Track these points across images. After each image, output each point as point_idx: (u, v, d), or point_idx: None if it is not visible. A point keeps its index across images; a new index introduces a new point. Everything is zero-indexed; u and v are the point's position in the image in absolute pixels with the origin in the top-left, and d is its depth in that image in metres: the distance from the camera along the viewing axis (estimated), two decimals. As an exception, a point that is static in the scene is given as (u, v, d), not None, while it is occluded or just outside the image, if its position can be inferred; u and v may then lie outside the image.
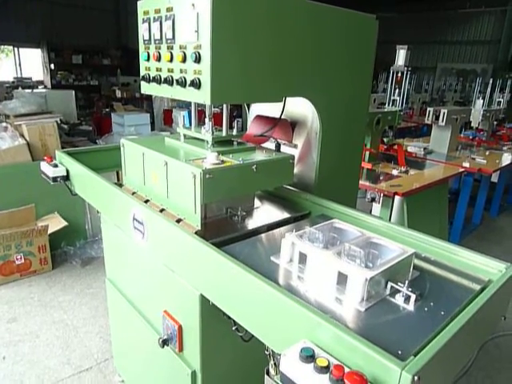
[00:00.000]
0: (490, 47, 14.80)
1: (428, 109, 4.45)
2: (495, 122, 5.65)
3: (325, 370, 0.83)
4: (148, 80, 1.65)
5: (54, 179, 2.24)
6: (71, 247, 3.82)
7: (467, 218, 4.66)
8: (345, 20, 1.71)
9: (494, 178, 5.15)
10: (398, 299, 1.11)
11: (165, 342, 1.52)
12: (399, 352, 0.89)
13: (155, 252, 1.54)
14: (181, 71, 1.45)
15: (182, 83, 1.43)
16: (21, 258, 3.36)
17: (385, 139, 4.27)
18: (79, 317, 2.96)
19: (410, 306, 1.09)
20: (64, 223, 3.59)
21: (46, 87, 11.03)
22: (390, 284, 1.14)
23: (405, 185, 3.19)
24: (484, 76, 13.88)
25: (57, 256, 3.71)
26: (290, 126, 1.92)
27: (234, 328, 1.38)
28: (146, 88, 1.68)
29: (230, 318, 1.36)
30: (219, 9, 1.26)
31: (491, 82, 5.81)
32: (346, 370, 0.80)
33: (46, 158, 2.35)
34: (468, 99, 11.14)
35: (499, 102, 5.73)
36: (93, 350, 2.61)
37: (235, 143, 1.70)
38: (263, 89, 1.50)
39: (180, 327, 1.48)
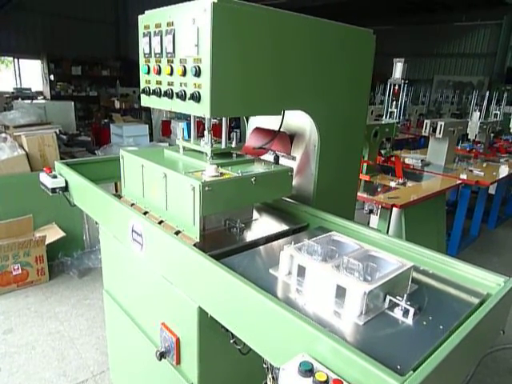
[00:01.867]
0: (486, 60, 14.99)
1: (425, 121, 4.49)
2: (492, 134, 5.70)
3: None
4: (148, 93, 1.67)
5: (53, 190, 2.24)
6: (68, 258, 3.80)
7: (465, 229, 4.67)
8: (343, 34, 1.74)
9: (492, 190, 5.17)
10: (397, 313, 1.11)
11: (162, 355, 1.51)
12: (398, 367, 0.89)
13: (153, 264, 1.53)
14: (181, 84, 1.46)
15: (182, 96, 1.45)
16: (18, 268, 3.35)
17: (382, 151, 4.29)
18: (76, 328, 2.93)
19: (409, 320, 1.09)
20: (62, 234, 3.58)
21: (45, 98, 11.08)
22: (388, 297, 1.14)
23: (402, 197, 3.20)
24: (480, 88, 14.03)
25: (54, 266, 3.69)
26: (289, 138, 1.93)
27: (231, 341, 1.38)
28: (146, 101, 1.70)
29: (227, 330, 1.36)
30: (219, 24, 1.28)
31: (487, 94, 5.88)
32: (345, 384, 0.80)
33: (45, 169, 2.35)
34: (465, 111, 11.23)
35: (496, 115, 5.79)
36: (89, 361, 2.59)
37: (234, 155, 1.71)
38: (262, 102, 1.52)
39: (178, 340, 1.47)
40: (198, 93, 1.38)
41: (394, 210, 3.24)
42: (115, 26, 12.56)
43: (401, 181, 3.69)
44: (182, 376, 1.49)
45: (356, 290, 1.08)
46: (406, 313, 1.10)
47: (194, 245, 1.43)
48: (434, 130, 4.46)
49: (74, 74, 11.67)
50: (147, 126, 5.52)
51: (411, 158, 4.65)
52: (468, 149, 5.49)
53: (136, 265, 1.73)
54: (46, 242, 3.44)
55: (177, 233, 1.52)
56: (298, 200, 1.89)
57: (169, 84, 1.54)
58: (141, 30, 1.63)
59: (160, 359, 1.51)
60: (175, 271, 1.40)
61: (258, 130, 2.01)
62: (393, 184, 3.61)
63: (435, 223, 3.67)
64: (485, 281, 1.29)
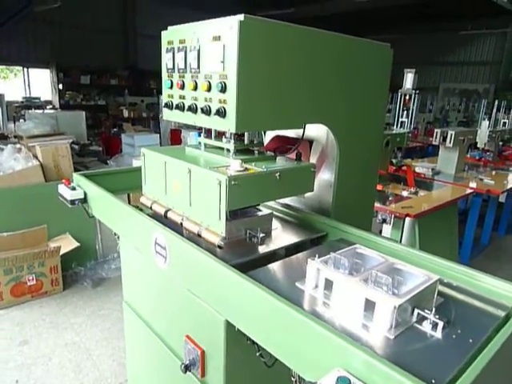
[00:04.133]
0: (492, 68, 15.03)
1: (435, 130, 4.50)
2: (501, 143, 5.70)
3: (362, 400, 0.84)
4: (171, 107, 1.69)
5: (72, 202, 2.27)
6: (82, 268, 3.83)
7: (476, 237, 4.65)
8: (364, 49, 1.77)
9: (502, 199, 5.16)
10: (426, 326, 1.12)
11: (187, 368, 1.52)
12: (433, 381, 0.89)
13: (178, 276, 1.55)
14: (205, 99, 1.49)
15: (207, 111, 1.47)
16: (33, 279, 3.38)
17: (394, 160, 4.31)
18: (92, 339, 2.95)
19: (438, 334, 1.10)
20: (76, 244, 3.61)
21: (54, 107, 11.21)
22: (416, 311, 1.15)
23: (416, 206, 3.21)
24: (486, 96, 14.07)
25: (67, 277, 3.72)
26: (308, 145, 1.95)
27: (258, 354, 1.39)
28: (169, 115, 1.73)
29: (254, 343, 1.37)
30: (245, 41, 1.31)
31: (496, 102, 5.89)
32: (385, 400, 0.81)
33: (64, 181, 2.39)
34: (472, 119, 11.26)
35: (504, 123, 5.79)
36: (106, 373, 2.60)
37: (256, 152, 1.71)
38: (285, 117, 1.54)
39: (203, 352, 1.48)
40: (224, 108, 1.40)
41: (407, 219, 3.24)
42: (124, 35, 12.71)
43: (413, 190, 3.70)
44: (207, 388, 1.50)
45: (386, 304, 1.09)
46: (434, 326, 1.11)
47: (219, 247, 1.45)
48: (444, 139, 4.48)
49: (82, 83, 11.81)
50: (158, 135, 5.57)
51: (421, 167, 4.65)
52: (477, 157, 5.49)
53: (159, 277, 1.75)
54: (61, 253, 3.47)
55: (199, 235, 1.52)
56: (315, 210, 1.91)
57: (193, 99, 1.56)
58: (164, 46, 1.67)
59: (185, 372, 1.52)
60: (201, 284, 1.41)
61: (278, 137, 2.02)
62: (405, 193, 3.62)
63: (448, 232, 3.67)
64: (509, 293, 1.29)
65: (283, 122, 1.56)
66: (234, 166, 1.46)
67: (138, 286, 2.00)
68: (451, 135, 4.37)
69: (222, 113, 1.41)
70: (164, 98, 1.75)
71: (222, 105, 1.41)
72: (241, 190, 1.40)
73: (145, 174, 1.87)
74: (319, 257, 1.34)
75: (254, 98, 1.41)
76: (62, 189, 2.36)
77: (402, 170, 4.24)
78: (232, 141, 1.64)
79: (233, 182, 1.37)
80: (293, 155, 1.90)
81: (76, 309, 3.32)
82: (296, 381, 1.27)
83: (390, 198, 3.52)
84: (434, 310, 1.13)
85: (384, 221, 3.28)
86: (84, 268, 3.84)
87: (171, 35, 1.62)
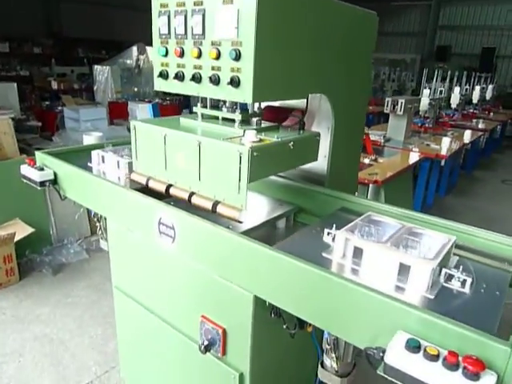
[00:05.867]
0: (418, 39, 15.87)
1: (387, 99, 4.71)
2: (438, 110, 6.12)
3: (436, 357, 0.88)
4: (166, 77, 1.57)
5: (42, 184, 2.06)
6: (37, 255, 3.53)
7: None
8: (358, 18, 1.76)
9: (442, 162, 5.58)
10: (455, 284, 1.19)
11: (207, 348, 1.48)
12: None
13: (190, 256, 1.49)
14: (213, 68, 1.40)
15: (216, 81, 1.38)
16: (-16, 270, 3.05)
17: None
18: (64, 329, 2.76)
19: (467, 289, 1.17)
20: (30, 229, 3.30)
21: (-34, 79, 9.87)
22: (444, 270, 1.21)
23: (380, 172, 3.37)
24: (413, 65, 14.92)
25: (22, 265, 3.41)
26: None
27: (284, 326, 1.39)
28: (164, 85, 1.60)
29: (279, 316, 1.38)
30: (264, 6, 1.24)
31: (426, 71, 6.23)
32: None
33: (27, 160, 2.15)
34: (404, 88, 11.94)
35: (441, 91, 6.20)
36: (89, 363, 2.47)
37: (256, 122, 1.63)
38: (296, 86, 1.51)
39: (224, 331, 1.45)
40: (238, 77, 1.32)
41: (371, 185, 3.39)
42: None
43: (373, 157, 3.86)
44: (229, 366, 1.49)
45: (423, 267, 1.14)
46: (463, 283, 1.18)
47: (239, 221, 1.42)
48: (394, 108, 4.70)
49: (0, 51, 10.50)
50: (105, 109, 5.17)
51: (374, 135, 4.86)
52: (419, 124, 5.85)
53: (161, 258, 1.66)
54: (15, 240, 3.16)
55: (213, 210, 1.46)
56: (309, 181, 1.91)
57: (195, 67, 1.46)
58: (156, 9, 1.52)
59: (205, 352, 1.48)
60: (222, 263, 1.37)
61: (270, 108, 1.96)
62: (367, 161, 3.76)
63: (406, 195, 3.92)
64: (507, 246, 1.41)
65: (293, 91, 1.52)
66: (250, 136, 1.40)
67: (131, 270, 1.89)
68: (401, 103, 4.59)
69: (235, 82, 1.33)
70: (157, 67, 1.60)
71: (235, 74, 1.33)
72: (261, 160, 1.35)
73: (136, 149, 1.73)
74: (336, 227, 1.36)
75: (270, 66, 1.35)
76: (27, 170, 2.12)
77: (359, 138, 4.38)
78: (238, 110, 1.57)
79: (255, 154, 1.32)
80: (291, 123, 1.87)
81: (39, 299, 3.08)
82: (331, 348, 1.30)
83: (353, 166, 3.64)
84: (461, 268, 1.21)
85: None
86: (39, 254, 3.54)
87: (166, -3, 1.47)
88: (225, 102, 1.63)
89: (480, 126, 6.83)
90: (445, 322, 0.92)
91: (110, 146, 2.27)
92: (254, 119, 1.63)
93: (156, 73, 1.60)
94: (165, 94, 9.32)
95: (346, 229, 1.33)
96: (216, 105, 1.70)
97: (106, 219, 1.99)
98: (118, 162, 2.07)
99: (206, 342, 1.50)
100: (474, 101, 7.51)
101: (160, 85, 1.62)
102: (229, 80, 1.33)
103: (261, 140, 1.42)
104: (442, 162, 5.37)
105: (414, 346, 0.90)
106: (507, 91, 12.65)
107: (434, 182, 5.25)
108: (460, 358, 0.85)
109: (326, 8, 1.52)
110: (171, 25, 1.49)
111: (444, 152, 4.43)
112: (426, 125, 5.86)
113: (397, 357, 0.91)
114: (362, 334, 1.06)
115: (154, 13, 1.54)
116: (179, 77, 1.51)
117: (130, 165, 2.01)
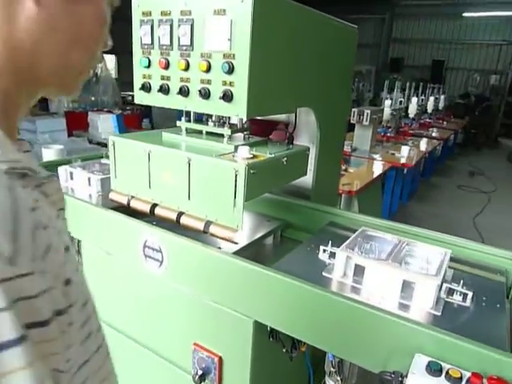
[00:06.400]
0: (372, 50, 16.52)
1: (353, 110, 4.80)
2: (399, 119, 6.35)
3: (459, 380, 0.86)
4: (148, 89, 1.48)
5: None
6: None
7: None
8: (340, 31, 1.76)
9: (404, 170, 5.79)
10: (456, 298, 1.19)
11: (201, 378, 1.39)
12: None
13: (181, 282, 1.40)
14: (202, 81, 1.33)
15: (206, 95, 1.32)
16: None
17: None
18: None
19: (468, 303, 1.18)
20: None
21: None
22: (445, 285, 1.21)
23: (352, 182, 3.41)
24: (369, 76, 15.49)
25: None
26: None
27: (284, 350, 1.34)
28: (146, 98, 1.51)
29: (278, 340, 1.32)
30: (259, 18, 1.20)
31: (387, 83, 6.49)
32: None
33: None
34: (362, 98, 12.34)
35: (401, 102, 6.45)
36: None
37: (245, 137, 1.58)
38: (286, 100, 1.48)
39: (220, 359, 1.37)
40: (231, 92, 1.27)
41: (343, 195, 3.43)
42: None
43: (343, 167, 3.91)
44: (226, 395, 1.41)
45: (428, 284, 1.13)
46: (464, 297, 1.18)
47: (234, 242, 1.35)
48: (360, 118, 4.81)
49: None
50: (63, 119, 4.91)
51: (341, 145, 4.94)
52: (382, 134, 6.04)
53: (147, 284, 1.55)
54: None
55: (205, 232, 1.39)
56: (294, 195, 1.88)
57: (183, 80, 1.39)
58: (137, 17, 1.44)
59: (199, 383, 1.39)
60: (218, 287, 1.29)
61: (255, 121, 1.92)
62: (338, 171, 3.81)
63: (376, 204, 4.00)
64: (495, 257, 1.45)
65: (285, 105, 1.49)
66: (243, 152, 1.34)
67: (112, 297, 1.75)
68: (367, 114, 4.71)
69: (228, 96, 1.27)
70: (137, 79, 1.52)
71: (227, 87, 1.28)
72: (257, 178, 1.30)
73: (115, 166, 1.62)
74: (332, 243, 1.33)
75: (263, 80, 1.31)
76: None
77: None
78: (228, 125, 1.51)
79: (252, 171, 1.26)
80: (276, 138, 1.83)
81: None
82: (336, 371, 1.26)
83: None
84: (461, 282, 1.21)
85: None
86: None
87: (148, 5, 1.40)
88: (210, 116, 1.57)
89: (436, 134, 7.17)
90: (465, 342, 0.90)
91: (78, 162, 2.13)
92: (242, 134, 1.58)
93: (137, 85, 1.51)
94: (124, 103, 9.07)
95: (346, 246, 1.31)
96: (200, 118, 1.63)
97: (79, 242, 1.84)
98: (88, 179, 1.94)
99: (199, 372, 1.41)
100: (429, 110, 7.88)
101: (141, 98, 1.53)
102: (221, 94, 1.27)
103: (254, 156, 1.37)
104: (405, 170, 5.57)
105: (435, 370, 0.87)
106: (456, 101, 13.41)
107: (399, 189, 5.42)
108: (484, 380, 0.84)
109: (313, 19, 1.51)
110: (154, 34, 1.42)
111: (409, 161, 4.58)
112: (388, 134, 6.06)
113: (419, 381, 0.88)
114: (376, 358, 1.02)
115: (134, 21, 1.45)
116: (164, 90, 1.43)
117: (103, 181, 1.90)
